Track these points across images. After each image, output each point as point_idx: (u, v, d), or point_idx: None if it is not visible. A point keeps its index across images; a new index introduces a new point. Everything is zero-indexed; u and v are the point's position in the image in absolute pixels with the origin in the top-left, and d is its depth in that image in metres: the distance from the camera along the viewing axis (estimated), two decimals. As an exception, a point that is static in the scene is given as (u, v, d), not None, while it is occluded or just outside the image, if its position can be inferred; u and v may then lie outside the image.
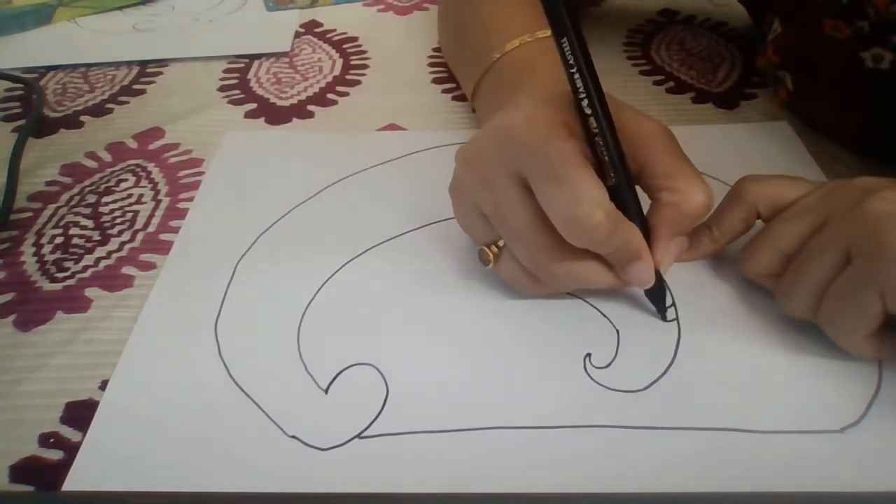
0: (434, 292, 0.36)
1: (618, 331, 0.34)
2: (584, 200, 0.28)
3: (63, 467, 0.29)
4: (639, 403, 0.31)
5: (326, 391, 0.32)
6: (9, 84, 0.55)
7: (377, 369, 0.32)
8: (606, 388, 0.31)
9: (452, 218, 0.39)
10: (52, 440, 0.30)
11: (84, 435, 0.30)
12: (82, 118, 0.51)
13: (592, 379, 0.32)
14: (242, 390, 0.32)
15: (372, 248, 0.39)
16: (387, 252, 0.39)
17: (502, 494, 0.28)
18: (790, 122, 0.47)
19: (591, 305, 0.35)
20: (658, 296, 0.34)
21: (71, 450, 0.30)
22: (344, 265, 0.38)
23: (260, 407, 0.31)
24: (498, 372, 0.32)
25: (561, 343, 0.33)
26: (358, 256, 0.38)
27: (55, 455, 0.30)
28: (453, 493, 0.28)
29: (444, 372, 0.32)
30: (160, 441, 0.30)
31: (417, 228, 0.40)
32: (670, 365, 0.32)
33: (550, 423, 0.30)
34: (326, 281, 0.37)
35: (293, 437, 0.30)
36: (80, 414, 0.31)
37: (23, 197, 0.44)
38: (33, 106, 0.52)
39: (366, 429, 0.30)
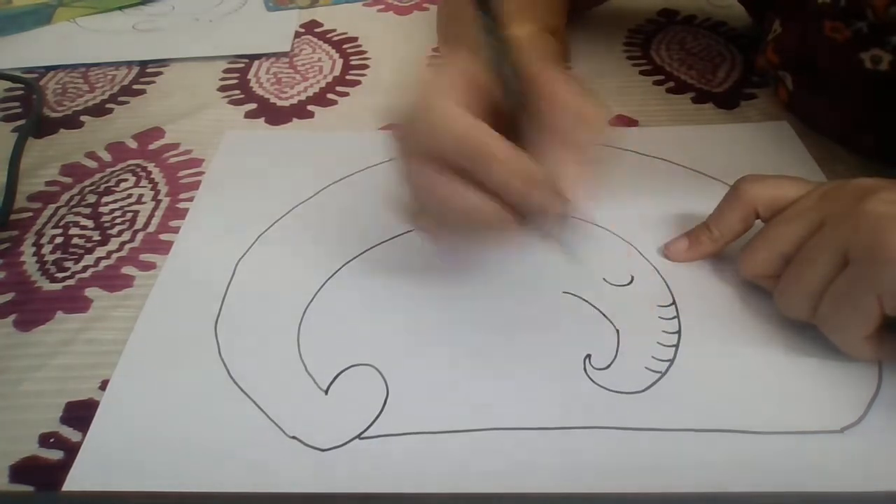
0: (434, 293, 0.36)
1: (618, 331, 0.34)
2: (451, 121, 0.28)
3: (63, 467, 0.29)
4: (639, 405, 0.31)
5: (326, 392, 0.32)
6: (9, 84, 0.55)
7: (377, 370, 0.32)
8: (607, 389, 0.31)
9: None
10: (52, 440, 0.30)
11: (84, 435, 0.30)
12: (82, 118, 0.51)
13: (592, 380, 0.32)
14: (242, 391, 0.32)
15: (372, 247, 0.39)
16: (387, 252, 0.39)
17: (502, 494, 0.28)
18: (790, 122, 0.47)
19: (592, 305, 0.35)
20: (563, 228, 0.31)
21: (71, 450, 0.30)
22: (344, 265, 0.38)
23: (260, 407, 0.31)
24: (498, 373, 0.32)
25: (561, 344, 0.33)
26: (358, 256, 0.38)
27: (55, 455, 0.30)
28: (453, 493, 0.28)
29: (444, 373, 0.32)
30: (160, 441, 0.30)
31: None
32: (670, 366, 0.32)
33: (551, 425, 0.30)
34: (326, 281, 0.37)
35: (293, 437, 0.30)
36: (80, 414, 0.31)
37: (23, 197, 0.44)
38: (33, 106, 0.52)
39: (366, 429, 0.30)
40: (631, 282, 0.36)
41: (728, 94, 0.51)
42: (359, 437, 0.30)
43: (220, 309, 0.36)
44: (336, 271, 0.38)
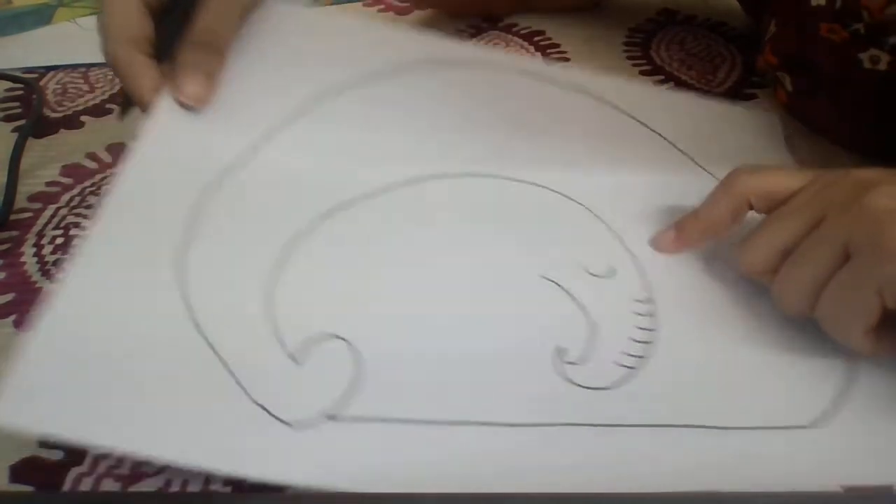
0: (420, 270, 0.34)
1: (592, 324, 0.33)
2: (111, 38, 0.37)
3: (63, 467, 0.29)
4: (608, 401, 0.30)
5: (298, 362, 0.30)
6: (9, 84, 0.55)
7: (353, 347, 0.31)
8: (576, 384, 0.31)
9: (457, 176, 0.38)
10: (52, 440, 0.30)
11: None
12: (82, 118, 0.51)
13: (562, 375, 0.31)
14: (207, 342, 0.29)
15: (365, 198, 0.36)
16: (381, 206, 0.36)
17: (502, 494, 0.27)
18: (790, 122, 0.47)
19: (568, 294, 0.34)
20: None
21: (71, 450, 0.30)
22: (332, 214, 0.35)
23: (226, 365, 0.29)
24: (472, 365, 0.31)
25: (534, 334, 0.32)
26: (348, 208, 0.36)
27: (55, 455, 0.30)
28: (454, 493, 0.28)
29: (421, 358, 0.31)
30: (102, 389, 0.27)
31: (420, 181, 0.37)
32: (642, 362, 0.32)
33: (522, 421, 0.29)
34: (306, 234, 0.34)
35: (259, 404, 0.28)
36: (80, 414, 0.31)
37: (23, 197, 0.44)
38: (33, 106, 0.52)
39: (335, 409, 0.29)
40: (610, 272, 0.35)
41: (728, 94, 0.51)
42: (327, 416, 0.29)
43: (187, 244, 0.32)
44: (324, 220, 0.35)
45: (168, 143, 0.36)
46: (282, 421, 0.28)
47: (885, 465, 0.29)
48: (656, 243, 0.37)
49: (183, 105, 0.36)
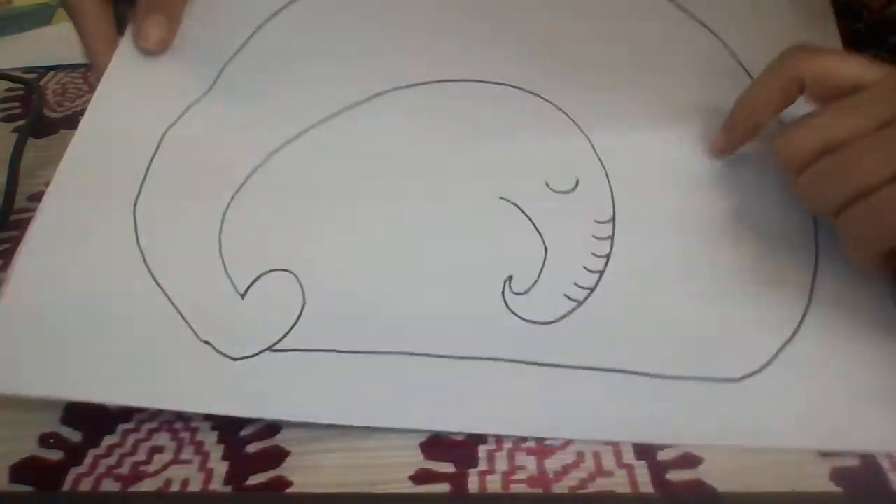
0: (367, 191, 0.33)
1: (546, 249, 0.31)
2: None
3: (63, 467, 0.29)
4: (548, 337, 0.29)
5: (243, 296, 0.30)
6: (9, 84, 0.55)
7: (296, 278, 0.31)
8: (520, 317, 0.30)
9: (428, 83, 0.36)
10: (52, 440, 0.30)
11: (84, 435, 0.30)
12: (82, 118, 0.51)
13: (508, 306, 0.30)
14: (158, 285, 0.30)
15: (317, 124, 0.35)
16: (334, 130, 0.35)
17: (501, 495, 0.27)
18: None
19: (526, 216, 0.32)
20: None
21: (71, 450, 0.30)
22: (280, 147, 0.34)
23: (175, 306, 0.30)
24: (417, 293, 0.31)
25: (485, 263, 0.31)
26: (297, 137, 0.35)
27: (55, 455, 0.30)
28: (454, 493, 0.28)
29: (363, 286, 0.31)
30: (65, 339, 0.29)
31: (379, 95, 0.36)
32: (589, 294, 0.30)
33: (460, 354, 0.29)
34: (256, 169, 0.34)
35: (206, 342, 0.29)
36: (80, 414, 0.31)
37: (23, 197, 0.44)
38: (33, 106, 0.52)
39: (277, 341, 0.29)
40: (575, 187, 0.33)
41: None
42: (270, 348, 0.29)
43: (142, 187, 0.33)
44: (269, 155, 0.34)
45: (127, 90, 0.36)
46: (224, 355, 0.29)
47: (804, 428, 0.28)
48: (711, 149, 0.33)
49: (145, 51, 0.36)
